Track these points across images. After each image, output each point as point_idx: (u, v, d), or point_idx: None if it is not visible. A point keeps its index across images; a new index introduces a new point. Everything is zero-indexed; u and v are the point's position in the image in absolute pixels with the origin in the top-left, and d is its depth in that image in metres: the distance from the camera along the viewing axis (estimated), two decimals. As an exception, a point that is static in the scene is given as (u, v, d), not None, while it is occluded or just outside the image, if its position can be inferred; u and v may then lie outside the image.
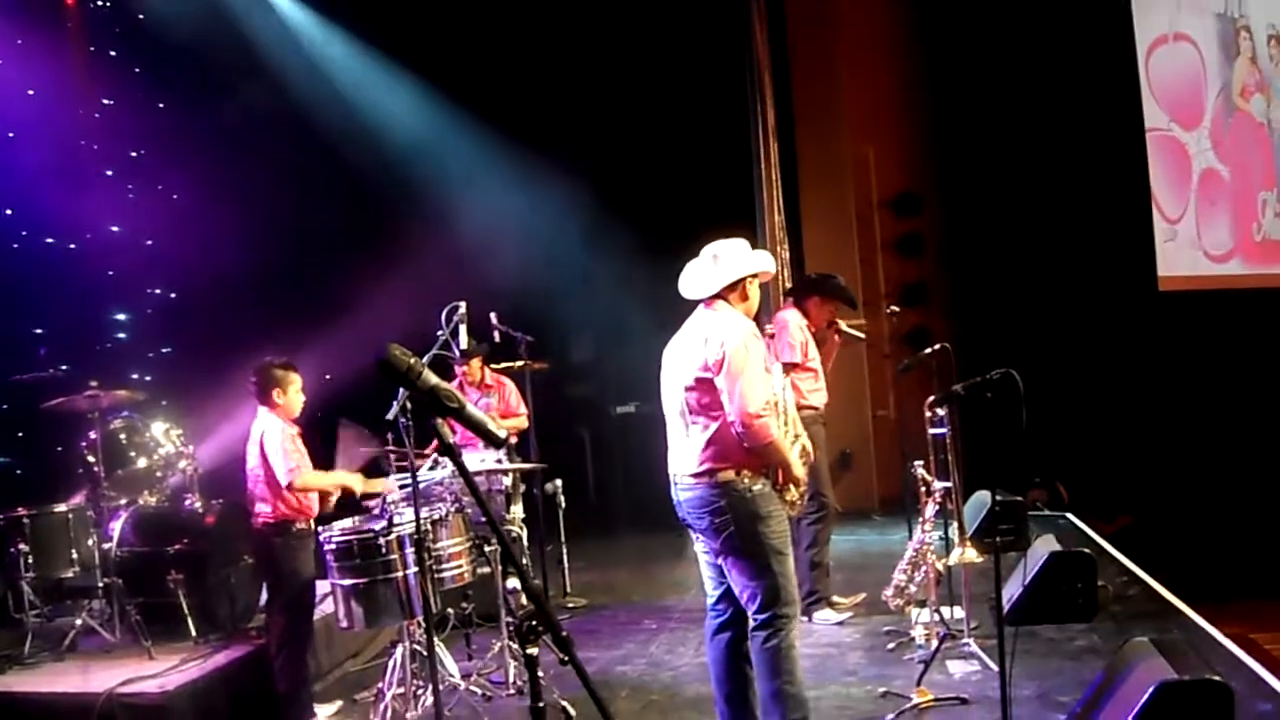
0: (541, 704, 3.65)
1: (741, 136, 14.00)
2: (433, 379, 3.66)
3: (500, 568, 8.21)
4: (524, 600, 9.09)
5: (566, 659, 3.57)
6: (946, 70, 14.88)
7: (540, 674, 3.54)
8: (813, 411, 9.06)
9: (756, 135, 13.95)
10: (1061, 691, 7.28)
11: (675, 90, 13.88)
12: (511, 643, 8.06)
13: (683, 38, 13.83)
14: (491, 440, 3.84)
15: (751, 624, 6.22)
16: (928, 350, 8.50)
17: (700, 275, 6.44)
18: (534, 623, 3.54)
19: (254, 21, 14.06)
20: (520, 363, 10.78)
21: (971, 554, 7.96)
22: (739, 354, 6.04)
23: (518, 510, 9.01)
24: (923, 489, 8.12)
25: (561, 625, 3.62)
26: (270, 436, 7.59)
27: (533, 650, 3.57)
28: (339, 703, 8.20)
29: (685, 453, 6.28)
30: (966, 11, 14.53)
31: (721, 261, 6.39)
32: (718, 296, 6.36)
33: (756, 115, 13.94)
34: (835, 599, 9.53)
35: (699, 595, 6.98)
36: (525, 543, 9.53)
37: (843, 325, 9.70)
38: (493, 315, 9.82)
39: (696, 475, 6.19)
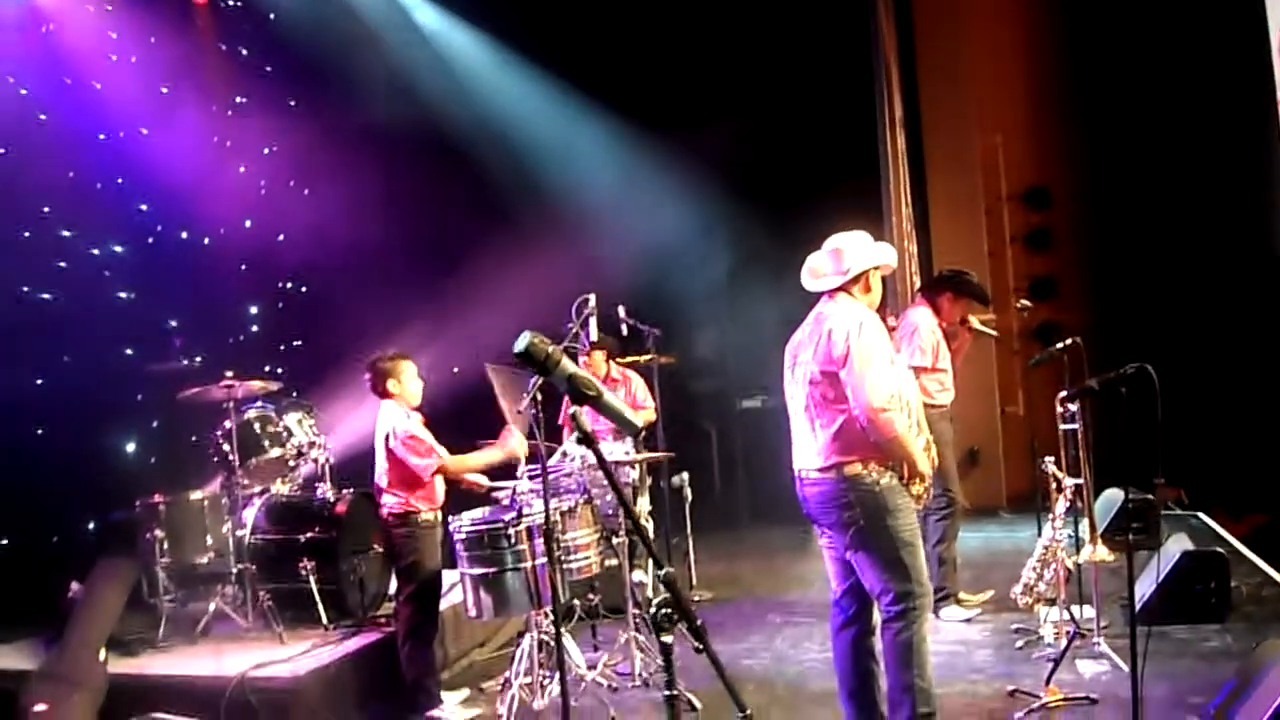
0: (675, 691, 3.65)
1: (868, 128, 13.85)
2: (571, 367, 3.68)
3: (628, 560, 8.25)
4: (650, 593, 9.14)
5: (701, 647, 3.58)
6: (1077, 60, 14.54)
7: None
8: (939, 409, 8.98)
9: (883, 127, 13.81)
10: (1194, 693, 7.04)
11: (802, 82, 13.76)
12: (638, 635, 8.07)
13: (809, 28, 13.71)
14: (628, 429, 3.86)
15: (883, 616, 6.14)
16: (1059, 345, 8.36)
17: (823, 268, 6.37)
18: (669, 611, 3.55)
19: (381, 19, 14.23)
20: (647, 356, 10.80)
21: (1102, 552, 7.79)
22: (864, 347, 5.95)
23: (644, 503, 9.01)
24: (1053, 486, 7.98)
25: (696, 614, 3.63)
26: (397, 431, 7.68)
27: (667, 638, 3.57)
28: (466, 691, 8.25)
29: (810, 448, 6.19)
30: (1098, 0, 14.28)
31: (845, 254, 6.32)
32: (841, 289, 6.30)
33: (883, 107, 13.82)
34: (963, 596, 9.41)
35: (824, 590, 6.93)
36: (651, 535, 9.56)
37: (975, 322, 9.56)
38: (620, 309, 9.83)
39: (823, 470, 6.11)
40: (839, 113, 13.86)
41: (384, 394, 7.82)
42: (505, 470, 7.96)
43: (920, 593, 6.09)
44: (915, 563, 6.09)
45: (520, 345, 3.65)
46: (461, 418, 8.87)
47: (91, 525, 11.63)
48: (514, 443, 7.82)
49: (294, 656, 7.81)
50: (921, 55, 14.73)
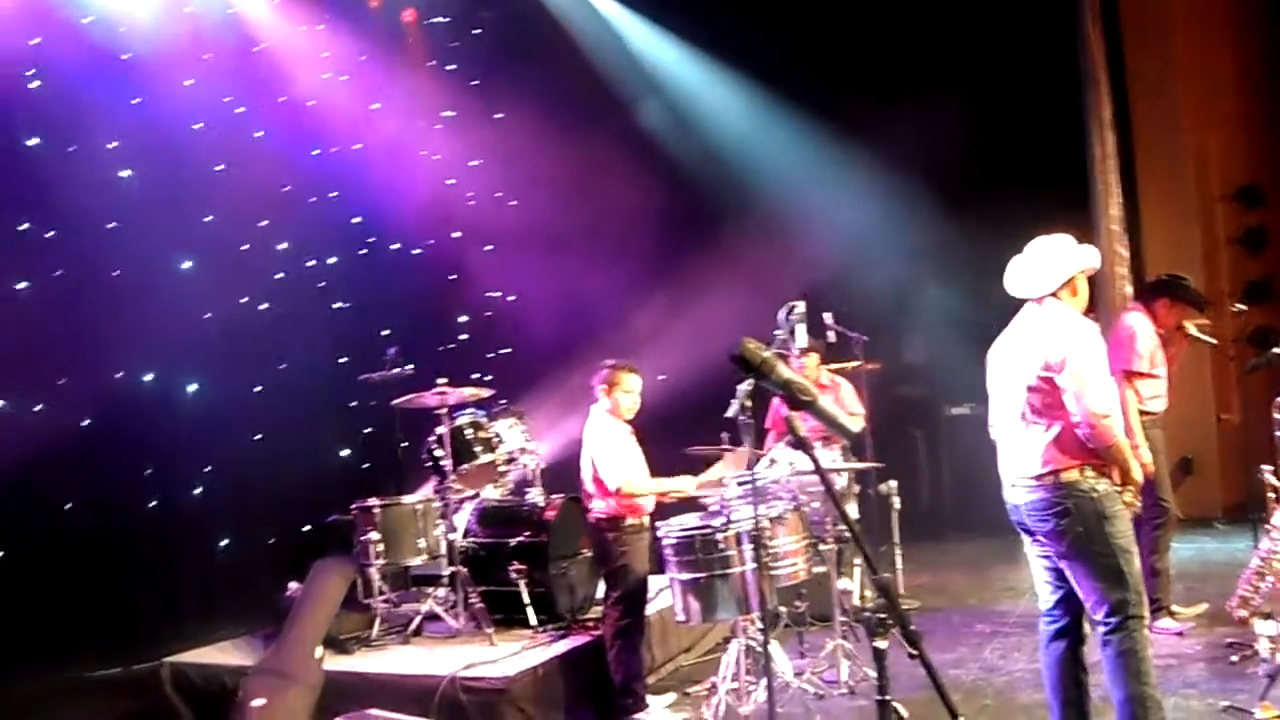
0: (888, 697, 3.63)
1: (1076, 129, 13.54)
2: (786, 372, 3.67)
3: (835, 568, 8.20)
4: (855, 601, 9.07)
5: (915, 653, 3.55)
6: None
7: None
8: (1151, 416, 8.76)
9: (1091, 128, 13.52)
10: None
11: (1008, 84, 13.49)
12: (845, 642, 8.02)
13: (1015, 29, 13.46)
14: (844, 434, 3.85)
15: (1101, 629, 5.92)
16: (1276, 349, 8.11)
17: (1031, 272, 6.18)
18: (884, 616, 3.53)
19: (583, 28, 14.37)
20: (855, 363, 10.72)
21: (1323, 564, 7.55)
22: (1084, 353, 5.78)
23: (851, 510, 8.90)
24: (1270, 495, 7.74)
25: (910, 619, 3.60)
26: (603, 438, 7.71)
27: (881, 643, 3.55)
28: (673, 695, 8.26)
29: (1024, 454, 6.01)
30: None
31: (1052, 258, 6.14)
32: (1050, 294, 6.13)
33: (1091, 108, 13.53)
34: (1175, 608, 9.10)
35: (1033, 601, 6.76)
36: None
37: (1191, 329, 9.25)
38: (827, 315, 9.76)
39: (1038, 477, 5.94)
40: (1045, 114, 13.55)
41: (602, 401, 7.90)
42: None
43: (1137, 600, 5.89)
44: (1132, 570, 5.90)
45: (736, 350, 3.66)
46: (666, 426, 8.90)
47: (308, 527, 11.97)
48: (687, 484, 7.88)
49: (503, 658, 7.85)
50: (1130, 55, 14.32)
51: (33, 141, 10.46)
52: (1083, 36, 13.44)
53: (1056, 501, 5.85)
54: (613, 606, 7.77)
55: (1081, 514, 5.81)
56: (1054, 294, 6.14)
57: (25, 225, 10.45)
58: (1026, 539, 6.27)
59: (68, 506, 10.76)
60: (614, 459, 7.63)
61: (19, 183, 10.17)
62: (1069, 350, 5.82)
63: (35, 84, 10.36)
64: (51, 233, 10.59)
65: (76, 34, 10.60)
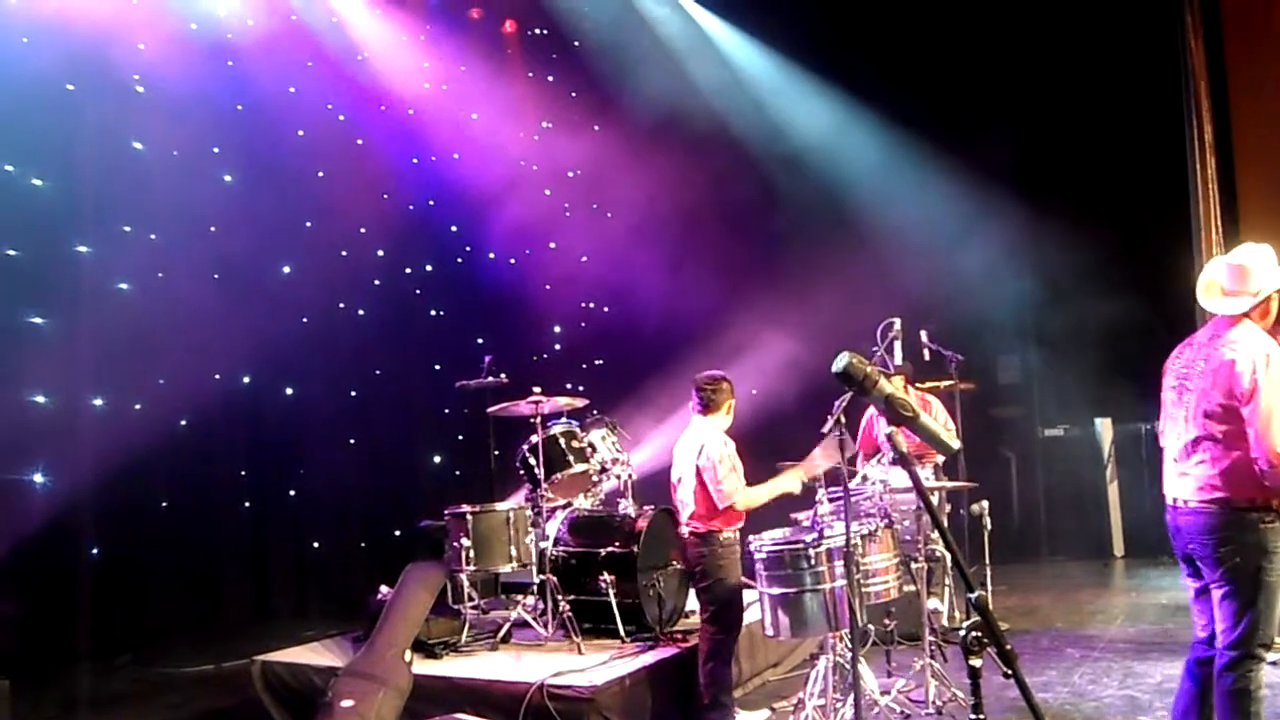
0: (982, 716, 3.60)
1: (1177, 149, 13.34)
2: (889, 387, 3.64)
3: (925, 586, 8.13)
4: (945, 621, 8.99)
5: (1009, 673, 3.51)
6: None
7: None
8: None
9: (1193, 148, 13.27)
10: None
11: (1107, 102, 13.30)
12: (933, 662, 7.95)
13: (1114, 47, 13.27)
14: (944, 450, 3.82)
15: (1219, 660, 5.84)
16: None
17: (1226, 285, 5.88)
18: (979, 634, 3.49)
19: (681, 42, 14.40)
20: (948, 382, 10.65)
21: None
22: (1272, 385, 5.53)
23: (943, 530, 8.78)
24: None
25: (1006, 639, 3.56)
26: (710, 451, 7.63)
27: (976, 662, 3.52)
28: (767, 712, 8.25)
29: (1193, 477, 5.77)
30: None
31: (1252, 273, 5.79)
32: (1244, 313, 5.78)
33: (1192, 127, 13.29)
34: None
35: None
36: (948, 562, 9.42)
37: None
38: (923, 333, 9.69)
39: (1206, 502, 5.69)
40: (1145, 133, 13.38)
41: (707, 413, 7.84)
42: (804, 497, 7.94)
43: (1262, 641, 5.76)
44: (1270, 612, 5.77)
45: (839, 365, 3.64)
46: (759, 440, 8.88)
47: (399, 532, 12.08)
48: (792, 480, 7.80)
49: (591, 667, 7.78)
50: (1233, 73, 14.10)
51: (138, 145, 10.64)
52: (1185, 60, 13.25)
53: (1221, 528, 5.63)
54: (708, 621, 7.73)
55: (1244, 544, 5.60)
56: (1246, 314, 5.83)
57: (128, 228, 10.64)
58: (1183, 566, 6.10)
59: (164, 505, 10.95)
60: (729, 474, 7.60)
61: (123, 186, 10.36)
62: (1259, 380, 5.59)
63: (140, 89, 10.54)
64: (154, 235, 10.77)
65: (182, 40, 10.78)
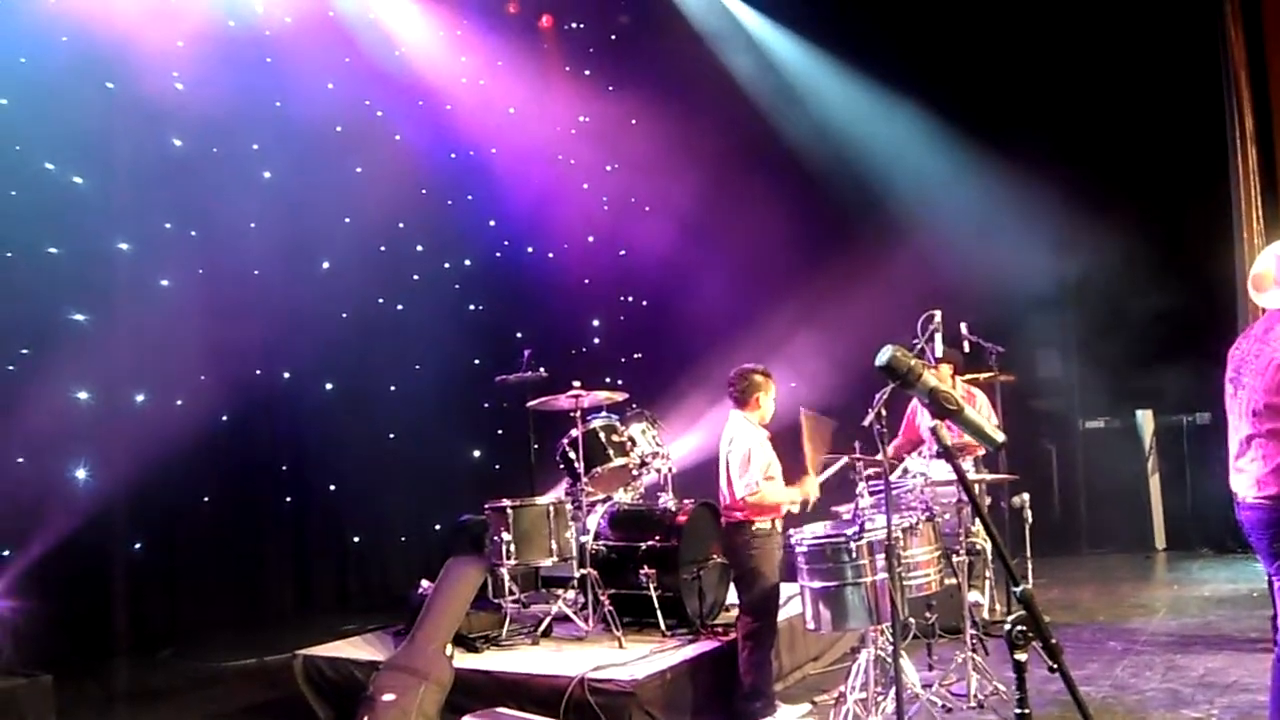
0: (1027, 710, 3.57)
1: (1218, 142, 13.23)
2: (932, 381, 3.61)
3: (966, 580, 8.10)
4: (986, 614, 8.94)
5: (1055, 667, 3.48)
6: None
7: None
8: None
9: (1234, 141, 13.15)
10: None
11: (1147, 93, 13.22)
12: (975, 655, 7.91)
13: (1154, 38, 13.18)
14: (989, 443, 3.77)
15: (1278, 649, 5.83)
16: None
17: (1277, 277, 5.67)
18: (1025, 628, 3.47)
19: (720, 36, 14.35)
20: (989, 374, 10.59)
21: None
22: None
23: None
24: None
25: (1052, 633, 3.54)
26: (740, 443, 7.61)
27: (1021, 656, 3.49)
28: (808, 705, 8.21)
29: (1249, 472, 5.65)
30: None
31: None
32: None
33: (1233, 118, 13.17)
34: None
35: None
36: (989, 555, 9.38)
37: None
38: (963, 325, 9.63)
39: (1260, 498, 5.65)
40: (1186, 126, 13.27)
41: (744, 406, 7.82)
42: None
43: None
44: None
45: (883, 358, 3.60)
46: (797, 434, 8.85)
47: (440, 526, 12.10)
48: (810, 487, 7.76)
49: (632, 661, 7.76)
50: (1273, 64, 13.95)
51: (178, 143, 10.69)
52: (1226, 51, 13.12)
53: (1274, 524, 5.60)
54: (746, 610, 7.71)
55: None
56: None
57: (169, 225, 10.69)
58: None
59: (205, 500, 11.01)
60: (746, 466, 7.58)
61: (164, 183, 10.41)
62: None
63: (180, 87, 10.58)
64: (194, 232, 10.83)
65: (220, 38, 10.82)
